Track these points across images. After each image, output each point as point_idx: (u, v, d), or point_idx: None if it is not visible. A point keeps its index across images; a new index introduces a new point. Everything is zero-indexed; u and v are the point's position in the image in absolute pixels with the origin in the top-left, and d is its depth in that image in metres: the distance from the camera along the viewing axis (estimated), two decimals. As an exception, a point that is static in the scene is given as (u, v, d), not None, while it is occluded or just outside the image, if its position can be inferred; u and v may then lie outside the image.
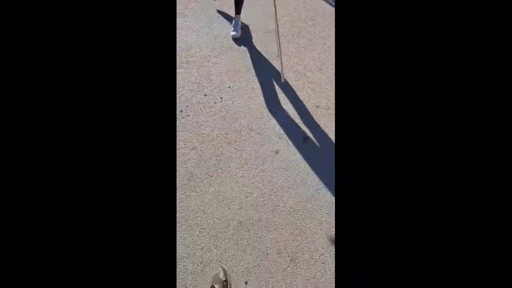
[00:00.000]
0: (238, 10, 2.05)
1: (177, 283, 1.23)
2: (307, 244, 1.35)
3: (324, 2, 2.43)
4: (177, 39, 2.05)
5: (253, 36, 2.14)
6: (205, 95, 1.81)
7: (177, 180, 1.49)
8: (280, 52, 1.85)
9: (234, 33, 2.06)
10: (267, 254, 1.32)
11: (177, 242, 1.33)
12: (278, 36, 1.81)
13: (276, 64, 1.99)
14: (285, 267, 1.30)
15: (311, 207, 1.45)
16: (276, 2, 1.79)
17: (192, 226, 1.37)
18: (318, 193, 1.49)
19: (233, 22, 2.10)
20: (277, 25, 1.79)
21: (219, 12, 2.25)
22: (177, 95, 1.79)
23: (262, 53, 2.05)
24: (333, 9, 2.37)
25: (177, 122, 1.68)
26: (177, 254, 1.30)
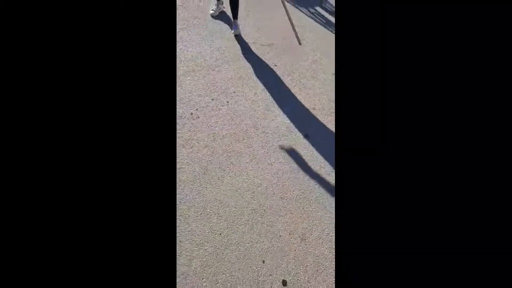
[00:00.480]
0: (235, 15, 2.32)
1: (198, 264, 1.33)
2: (314, 225, 1.51)
3: (311, 19, 2.74)
4: (183, 50, 2.24)
5: (252, 49, 2.37)
6: (212, 99, 1.98)
7: (193, 174, 1.62)
8: (293, 24, 2.21)
9: (236, 29, 2.34)
10: (280, 236, 1.47)
11: (196, 228, 1.44)
12: (288, 15, 2.18)
13: (276, 71, 2.21)
14: (296, 246, 1.44)
15: (316, 194, 1.62)
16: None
17: (210, 214, 1.50)
18: (321, 182, 1.67)
19: (233, 26, 2.36)
20: (287, 11, 2.11)
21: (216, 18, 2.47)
22: (187, 99, 1.95)
23: (261, 63, 2.27)
24: (320, 26, 2.67)
25: (189, 123, 1.83)
26: (198, 239, 1.41)
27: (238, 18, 2.37)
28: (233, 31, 2.36)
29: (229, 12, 2.57)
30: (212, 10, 2.54)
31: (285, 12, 2.18)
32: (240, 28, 2.42)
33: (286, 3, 2.16)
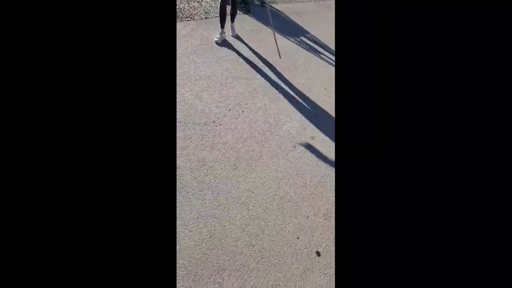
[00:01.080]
0: (232, 20, 2.99)
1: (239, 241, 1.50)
2: (334, 207, 1.77)
3: (298, 46, 3.23)
4: (196, 70, 2.53)
5: (254, 69, 2.74)
6: (229, 110, 2.26)
7: (225, 171, 1.83)
8: (276, 42, 2.82)
9: (233, 32, 3.04)
10: (307, 216, 1.70)
11: (236, 215, 1.62)
12: (275, 34, 2.79)
13: (278, 86, 2.58)
14: (322, 224, 1.68)
15: (330, 182, 1.91)
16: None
17: (246, 203, 1.69)
18: (331, 173, 1.97)
19: (231, 29, 3.04)
20: (274, 33, 2.46)
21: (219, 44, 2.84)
22: (208, 110, 2.20)
23: (265, 81, 2.64)
24: (306, 51, 3.17)
25: (213, 129, 2.07)
26: (239, 223, 1.59)
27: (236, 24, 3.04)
28: (231, 33, 3.04)
29: (231, 41, 2.97)
30: (217, 38, 2.91)
31: (274, 39, 2.74)
32: (242, 52, 2.81)
33: (272, 27, 2.83)
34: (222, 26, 2.89)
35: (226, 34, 2.99)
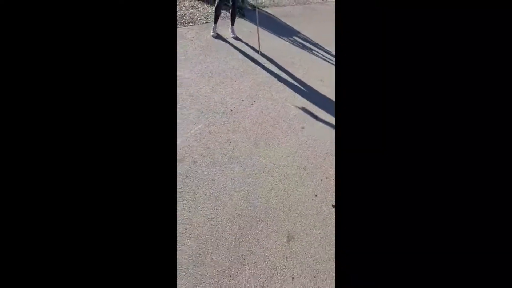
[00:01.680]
0: (232, 23, 3.39)
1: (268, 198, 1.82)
2: (340, 172, 2.14)
3: (292, 45, 3.63)
4: (209, 69, 2.84)
5: (258, 66, 3.09)
6: (242, 100, 2.58)
7: (248, 149, 2.14)
8: (259, 38, 3.19)
9: (233, 34, 3.44)
10: (321, 180, 2.05)
11: (264, 181, 1.94)
12: (258, 31, 3.19)
13: (281, 80, 2.94)
14: (334, 185, 2.03)
15: (335, 153, 2.28)
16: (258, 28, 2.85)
17: (270, 172, 2.02)
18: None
19: (231, 31, 3.41)
20: (258, 31, 2.82)
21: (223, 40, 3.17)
22: (224, 101, 2.51)
23: (268, 75, 2.99)
24: (299, 49, 3.56)
25: (232, 116, 2.38)
26: (267, 187, 1.91)
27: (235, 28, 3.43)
28: (231, 35, 3.43)
29: (233, 42, 3.31)
30: (212, 33, 3.30)
31: (257, 35, 3.07)
32: (244, 51, 3.16)
33: (259, 28, 3.29)
34: (215, 22, 3.30)
35: (224, 33, 3.34)
